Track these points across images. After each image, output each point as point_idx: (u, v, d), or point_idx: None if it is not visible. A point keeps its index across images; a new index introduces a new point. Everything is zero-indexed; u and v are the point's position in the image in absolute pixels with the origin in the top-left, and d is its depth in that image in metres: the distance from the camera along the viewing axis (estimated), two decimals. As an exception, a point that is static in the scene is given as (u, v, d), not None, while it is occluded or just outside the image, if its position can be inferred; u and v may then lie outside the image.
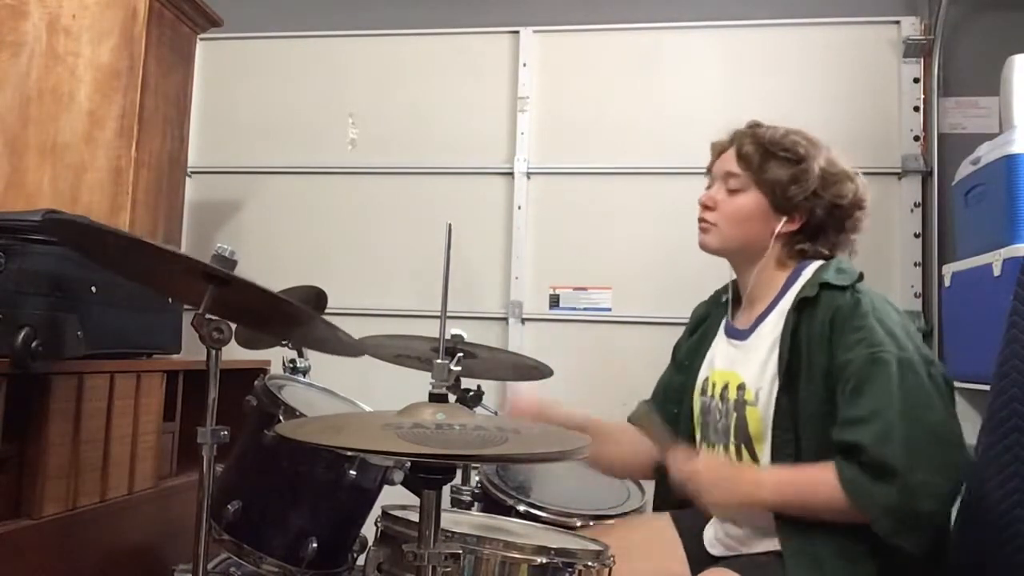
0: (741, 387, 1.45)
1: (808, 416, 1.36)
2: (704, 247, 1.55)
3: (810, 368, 1.36)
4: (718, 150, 1.58)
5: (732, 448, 1.45)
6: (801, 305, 1.40)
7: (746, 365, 1.46)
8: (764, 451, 1.41)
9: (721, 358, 1.55)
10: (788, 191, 1.46)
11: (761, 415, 1.40)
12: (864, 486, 1.24)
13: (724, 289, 1.65)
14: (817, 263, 1.48)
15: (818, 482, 1.30)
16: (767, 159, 1.48)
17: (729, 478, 1.37)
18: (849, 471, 1.26)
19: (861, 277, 1.42)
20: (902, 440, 1.23)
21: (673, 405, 1.65)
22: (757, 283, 1.51)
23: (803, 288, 1.43)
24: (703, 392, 1.56)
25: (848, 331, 1.33)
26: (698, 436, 1.57)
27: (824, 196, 1.46)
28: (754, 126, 1.53)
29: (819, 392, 1.35)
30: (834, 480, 1.27)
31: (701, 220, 1.54)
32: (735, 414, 1.45)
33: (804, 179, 1.45)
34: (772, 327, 1.45)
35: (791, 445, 1.37)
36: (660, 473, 1.62)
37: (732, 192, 1.50)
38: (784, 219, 1.48)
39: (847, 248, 1.52)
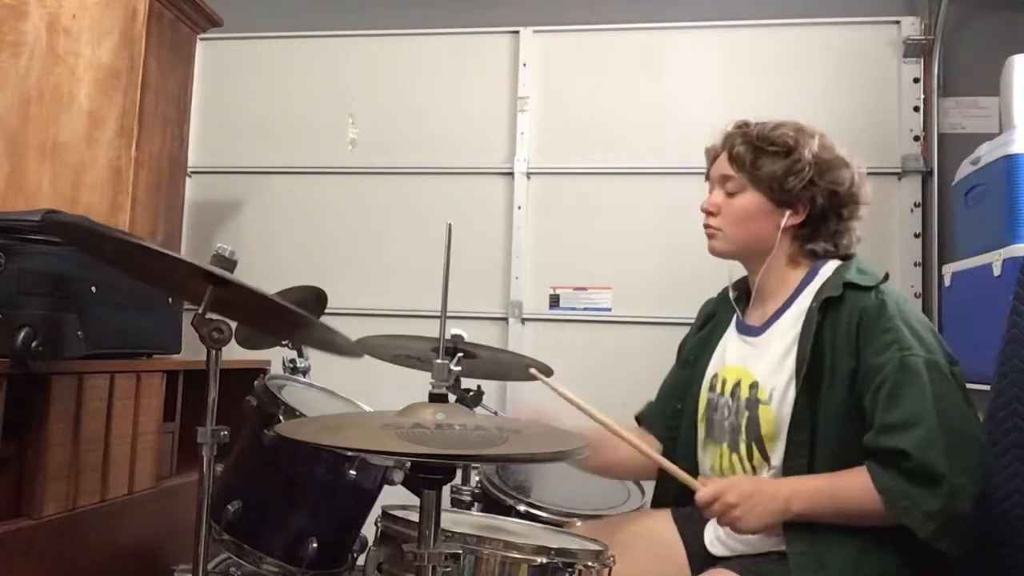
0: (754, 385, 1.44)
1: (827, 418, 1.35)
2: (714, 252, 1.55)
3: (833, 369, 1.36)
4: (712, 155, 1.58)
5: (742, 447, 1.44)
6: (825, 305, 1.39)
7: (759, 363, 1.46)
8: (776, 451, 1.40)
9: (732, 355, 1.54)
10: (785, 184, 1.45)
11: (774, 415, 1.39)
12: (905, 492, 1.24)
13: (732, 286, 1.64)
14: (835, 263, 1.48)
15: (852, 490, 1.29)
16: (758, 156, 1.48)
17: (761, 498, 1.33)
18: (886, 478, 1.26)
19: (887, 278, 1.42)
20: (943, 445, 1.23)
21: (676, 400, 1.64)
22: (769, 280, 1.51)
23: (824, 287, 1.42)
24: (711, 388, 1.55)
25: (877, 333, 1.33)
26: (701, 433, 1.56)
27: (821, 184, 1.46)
28: (742, 125, 1.53)
29: (841, 394, 1.34)
30: (869, 487, 1.27)
31: (707, 226, 1.54)
32: (747, 412, 1.44)
33: (798, 169, 1.45)
34: (789, 326, 1.44)
35: (805, 447, 1.36)
36: (661, 473, 1.62)
37: (731, 195, 1.50)
38: (788, 212, 1.47)
39: (850, 238, 1.51)
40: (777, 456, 1.40)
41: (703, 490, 1.35)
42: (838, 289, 1.39)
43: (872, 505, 1.26)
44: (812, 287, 1.45)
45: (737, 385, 1.48)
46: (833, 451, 1.34)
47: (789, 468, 1.37)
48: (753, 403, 1.43)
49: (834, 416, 1.35)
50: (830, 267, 1.47)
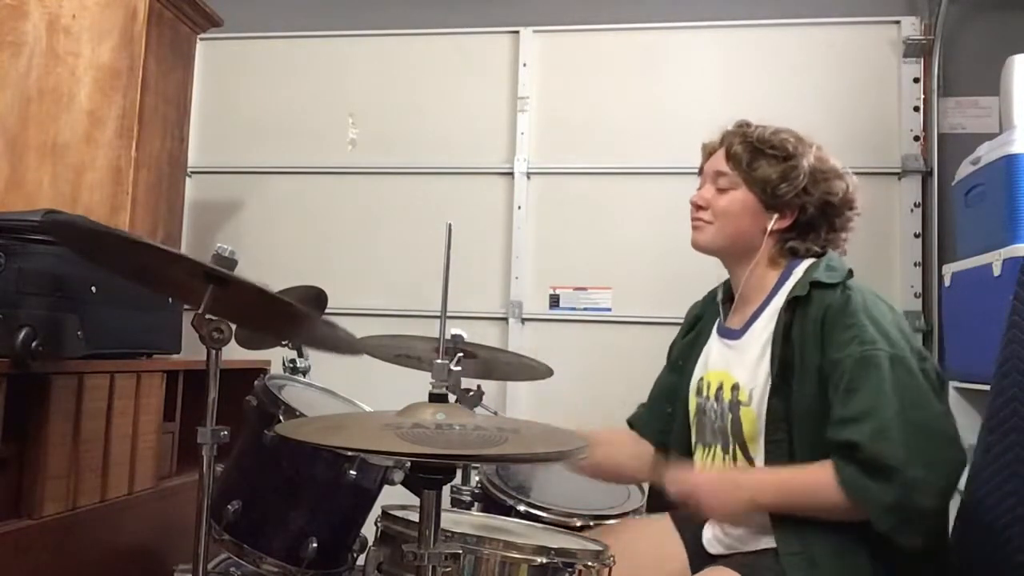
0: (735, 387, 1.45)
1: (801, 416, 1.36)
2: (696, 245, 1.55)
3: (803, 367, 1.36)
4: (708, 151, 1.58)
5: (730, 449, 1.45)
6: (793, 304, 1.40)
7: (740, 365, 1.46)
8: (758, 452, 1.41)
9: (715, 358, 1.55)
10: (778, 188, 1.46)
11: (755, 416, 1.40)
12: (863, 484, 1.24)
13: (721, 287, 1.65)
14: (808, 262, 1.48)
15: (816, 483, 1.30)
16: (756, 157, 1.48)
17: (727, 488, 1.36)
18: (847, 470, 1.26)
19: (851, 274, 1.42)
20: (898, 437, 1.23)
21: (667, 405, 1.65)
22: (749, 282, 1.51)
23: (795, 287, 1.43)
24: (698, 393, 1.55)
25: (839, 329, 1.33)
26: (693, 437, 1.56)
27: (814, 193, 1.47)
28: (743, 125, 1.54)
29: (812, 391, 1.35)
30: (832, 480, 1.27)
31: (694, 219, 1.54)
32: (730, 415, 1.45)
33: (793, 176, 1.46)
34: (764, 326, 1.45)
35: (784, 445, 1.37)
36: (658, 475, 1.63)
37: (721, 191, 1.51)
38: (775, 216, 1.48)
39: (838, 247, 1.52)
40: (759, 457, 1.41)
41: (672, 472, 1.40)
42: (805, 288, 1.39)
43: (835, 499, 1.27)
44: (785, 288, 1.46)
45: (720, 388, 1.49)
46: (810, 448, 1.34)
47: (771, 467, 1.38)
48: (735, 405, 1.44)
49: (807, 414, 1.35)
50: (802, 267, 1.47)
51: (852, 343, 1.31)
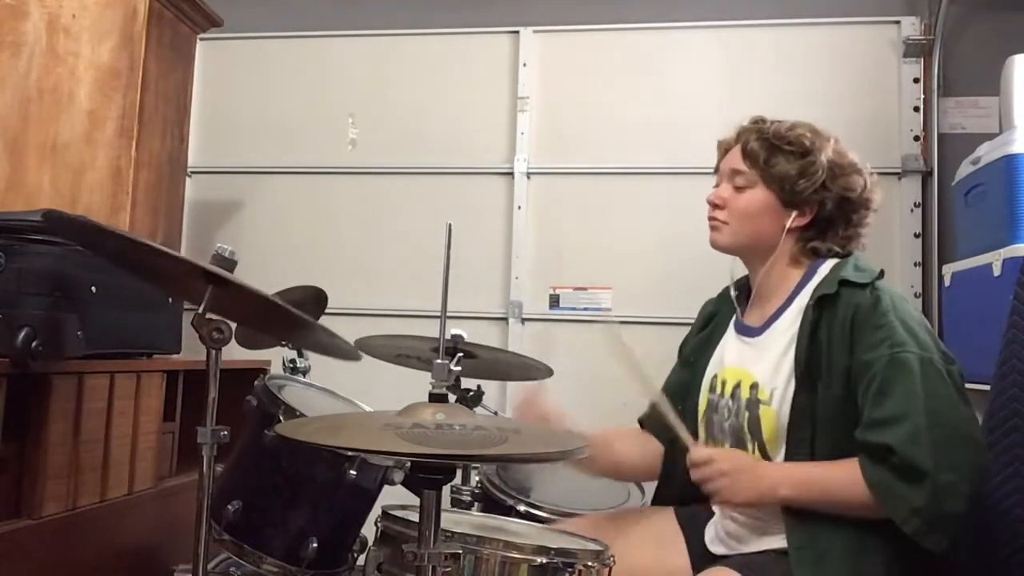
0: (754, 386, 1.44)
1: (825, 416, 1.35)
2: (715, 245, 1.54)
3: (830, 367, 1.35)
4: (724, 148, 1.57)
5: (748, 448, 1.43)
6: (821, 302, 1.39)
7: (759, 363, 1.45)
8: (778, 451, 1.40)
9: (732, 355, 1.54)
10: (796, 185, 1.45)
11: (775, 415, 1.39)
12: (893, 487, 1.24)
13: (734, 285, 1.63)
14: (833, 261, 1.47)
15: (842, 482, 1.29)
16: (773, 154, 1.47)
17: (751, 475, 1.35)
18: (876, 472, 1.26)
19: (882, 274, 1.41)
20: (930, 441, 1.23)
21: (678, 402, 1.64)
22: (769, 280, 1.50)
23: (821, 285, 1.42)
24: (711, 389, 1.55)
25: (869, 330, 1.33)
26: (702, 433, 1.56)
27: (833, 189, 1.45)
28: (759, 121, 1.52)
29: (838, 391, 1.34)
30: (859, 480, 1.27)
31: (711, 219, 1.53)
32: (747, 413, 1.43)
33: (812, 172, 1.45)
34: (787, 325, 1.44)
35: (806, 445, 1.36)
36: (664, 471, 1.62)
37: (739, 189, 1.50)
38: (794, 213, 1.47)
39: (857, 243, 1.51)
40: (779, 456, 1.40)
41: (698, 449, 1.38)
42: (833, 287, 1.38)
43: (861, 497, 1.27)
44: (810, 286, 1.45)
45: (737, 386, 1.48)
46: (832, 449, 1.34)
47: None
48: (754, 403, 1.43)
49: (831, 414, 1.35)
50: (828, 265, 1.46)
51: (883, 344, 1.30)
